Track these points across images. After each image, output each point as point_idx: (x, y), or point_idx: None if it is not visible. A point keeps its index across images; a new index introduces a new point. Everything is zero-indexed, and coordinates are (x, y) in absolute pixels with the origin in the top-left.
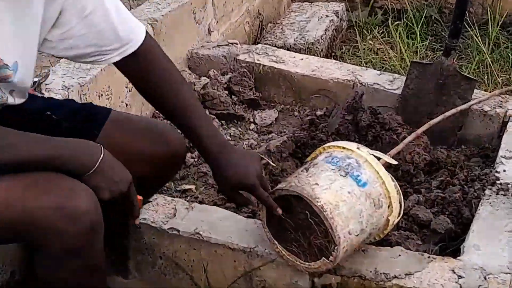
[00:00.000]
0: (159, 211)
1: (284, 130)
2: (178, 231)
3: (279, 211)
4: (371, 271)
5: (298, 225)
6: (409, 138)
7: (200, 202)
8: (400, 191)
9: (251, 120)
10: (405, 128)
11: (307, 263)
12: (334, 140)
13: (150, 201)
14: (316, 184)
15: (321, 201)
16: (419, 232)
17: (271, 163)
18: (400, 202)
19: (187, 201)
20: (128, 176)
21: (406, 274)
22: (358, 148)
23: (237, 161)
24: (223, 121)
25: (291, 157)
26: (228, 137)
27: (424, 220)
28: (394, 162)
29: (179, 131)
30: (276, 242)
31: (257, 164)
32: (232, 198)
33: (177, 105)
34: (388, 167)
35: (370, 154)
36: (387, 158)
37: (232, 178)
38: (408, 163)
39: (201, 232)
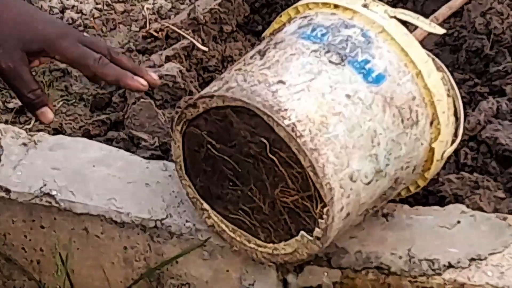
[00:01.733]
0: None
1: None
2: (8, 191)
3: (155, 78)
4: (400, 257)
5: (249, 168)
6: None
7: (56, 131)
8: (457, 92)
9: None
10: None
11: (270, 244)
12: None
13: None
14: (281, 82)
15: (291, 117)
16: (500, 174)
17: (200, 46)
18: (456, 114)
19: (27, 130)
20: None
21: (472, 260)
22: (365, 5)
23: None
24: None
25: (241, 33)
26: (98, 4)
27: (511, 149)
28: (442, 31)
29: None
30: (207, 205)
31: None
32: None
33: None
34: (434, 45)
35: (392, 17)
36: (426, 25)
37: (12, 29)
38: (479, 34)
39: (54, 192)
